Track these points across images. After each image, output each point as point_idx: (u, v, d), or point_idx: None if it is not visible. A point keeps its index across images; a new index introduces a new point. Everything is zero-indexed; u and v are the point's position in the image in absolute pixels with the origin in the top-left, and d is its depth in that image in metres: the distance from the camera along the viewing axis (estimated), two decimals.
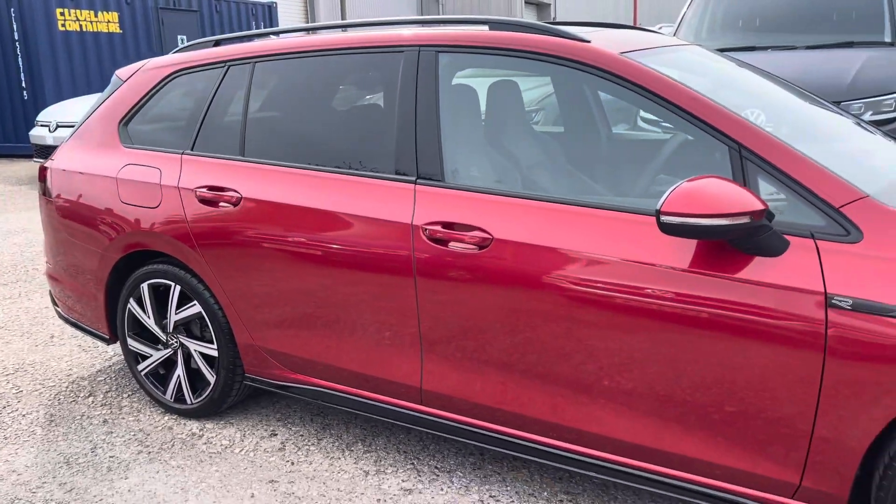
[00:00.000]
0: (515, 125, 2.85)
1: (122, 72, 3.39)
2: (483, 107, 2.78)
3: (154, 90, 3.19)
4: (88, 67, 12.54)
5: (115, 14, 13.02)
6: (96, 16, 12.57)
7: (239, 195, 2.77)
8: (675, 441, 2.12)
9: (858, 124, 2.75)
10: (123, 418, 3.21)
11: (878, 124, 5.31)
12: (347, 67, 2.74)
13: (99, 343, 4.08)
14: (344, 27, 2.80)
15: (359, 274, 2.51)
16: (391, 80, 2.59)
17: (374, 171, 2.54)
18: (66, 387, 3.54)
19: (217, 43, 3.17)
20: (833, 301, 1.83)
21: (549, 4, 32.59)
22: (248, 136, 2.87)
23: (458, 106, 2.56)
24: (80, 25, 12.24)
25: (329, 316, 2.63)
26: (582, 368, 2.19)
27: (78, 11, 12.18)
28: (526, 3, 30.22)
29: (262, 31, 3.14)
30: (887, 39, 6.18)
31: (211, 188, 2.85)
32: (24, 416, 3.26)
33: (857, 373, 1.83)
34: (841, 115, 2.79)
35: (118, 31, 13.17)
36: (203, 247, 2.86)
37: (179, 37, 14.82)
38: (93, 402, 3.38)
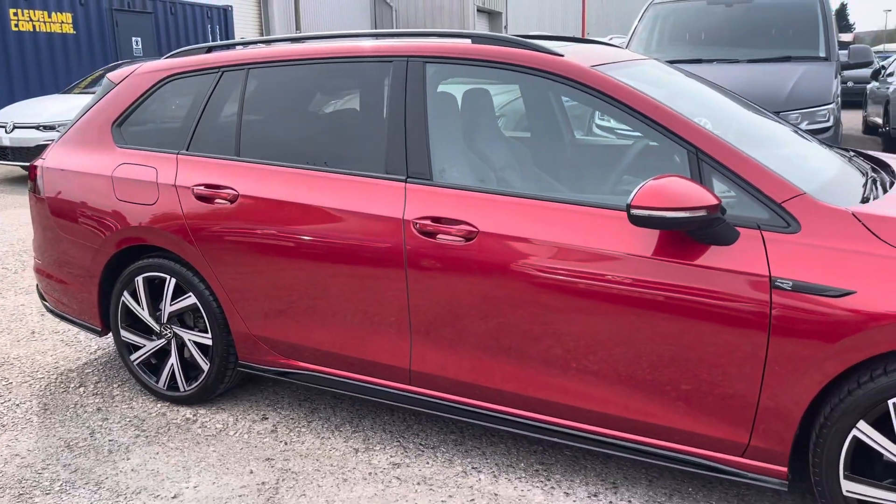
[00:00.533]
0: (493, 129, 3.11)
1: (113, 75, 3.54)
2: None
3: (147, 93, 3.35)
4: (41, 68, 12.41)
5: (69, 15, 12.91)
6: (50, 16, 12.45)
7: (236, 192, 2.96)
8: (640, 410, 2.40)
9: (796, 132, 3.09)
10: (117, 406, 3.36)
11: (813, 133, 5.75)
12: (339, 75, 2.97)
13: (81, 337, 4.20)
14: (336, 37, 3.02)
15: (353, 264, 2.73)
16: (381, 88, 2.82)
17: (366, 171, 2.77)
18: (55, 378, 3.66)
19: (209, 49, 3.35)
20: (776, 283, 2.14)
21: (501, 13, 33.13)
22: (244, 137, 3.06)
23: (443, 111, 2.80)
24: (34, 26, 12.11)
25: (324, 304, 2.84)
26: (559, 348, 2.45)
27: (31, 12, 12.05)
28: (478, 10, 30.68)
29: (255, 39, 3.34)
30: (822, 55, 6.66)
31: (208, 186, 3.03)
32: (17, 405, 3.38)
33: (794, 349, 2.13)
34: (781, 123, 3.13)
35: (72, 31, 13.05)
36: (200, 241, 3.04)
37: (133, 38, 14.74)
38: (84, 391, 3.51)
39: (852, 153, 3.22)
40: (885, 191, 2.49)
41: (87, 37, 13.43)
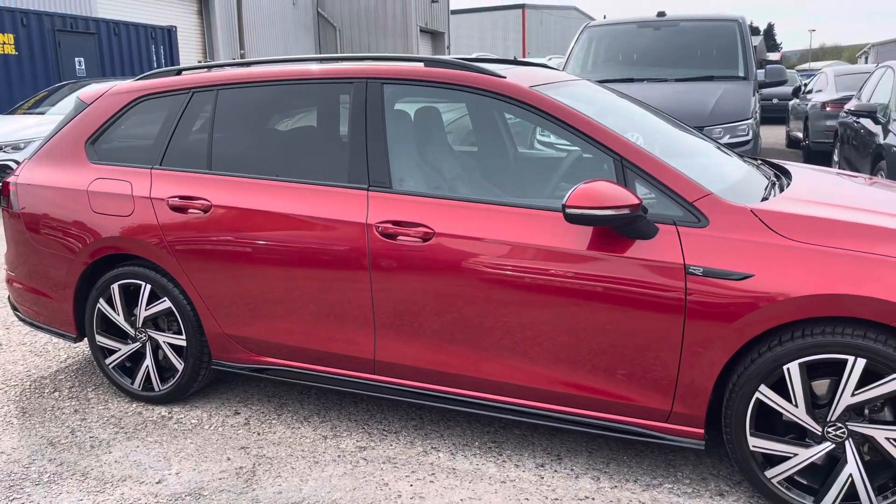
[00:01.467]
0: (445, 143, 3.44)
1: (85, 96, 3.76)
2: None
3: (120, 113, 3.58)
4: None
5: (11, 36, 12.84)
6: None
7: (209, 203, 3.22)
8: (580, 386, 2.74)
9: (713, 144, 3.51)
10: (93, 407, 3.55)
11: (734, 146, 6.27)
12: (304, 94, 3.26)
13: (49, 347, 4.35)
14: (301, 61, 3.32)
15: (320, 265, 3.01)
16: (343, 106, 3.12)
17: (331, 181, 3.06)
18: (29, 385, 3.82)
19: (179, 72, 3.61)
20: (690, 270, 2.51)
21: (443, 33, 33.76)
22: (215, 152, 3.32)
23: (399, 127, 3.12)
24: None
25: (294, 303, 3.12)
26: (509, 334, 2.78)
27: None
28: (421, 31, 31.21)
29: (225, 62, 3.60)
30: (741, 74, 7.23)
31: (182, 197, 3.28)
32: None
33: (705, 326, 2.50)
34: (699, 136, 3.55)
35: (13, 52, 12.98)
36: (175, 248, 3.28)
37: (76, 59, 14.68)
38: (59, 396, 3.69)
39: (760, 162, 3.66)
40: (781, 191, 2.91)
41: (30, 57, 13.36)
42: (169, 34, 17.16)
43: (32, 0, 15.97)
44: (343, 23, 30.10)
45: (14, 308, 3.93)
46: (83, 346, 4.35)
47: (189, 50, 21.67)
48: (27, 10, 13.66)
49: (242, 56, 23.52)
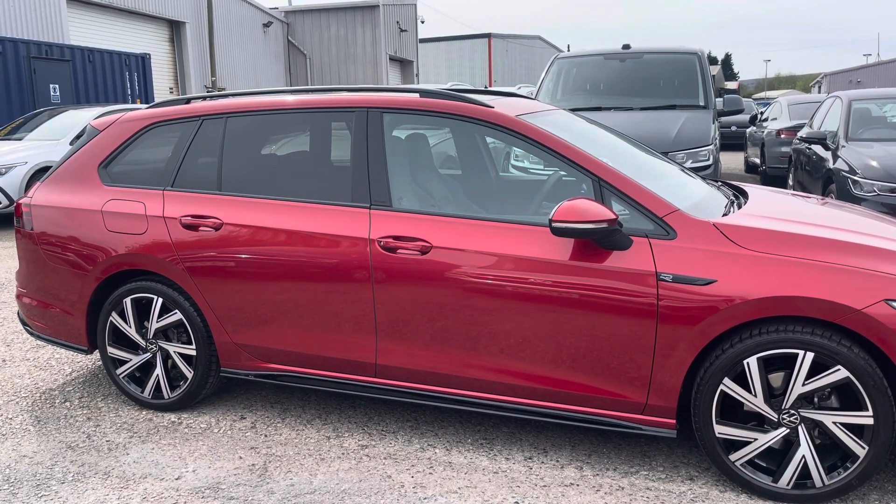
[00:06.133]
0: (433, 165, 3.76)
1: (97, 123, 4.01)
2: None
3: (132, 138, 3.84)
4: None
5: None
6: None
7: (220, 221, 3.48)
8: (562, 382, 3.04)
9: (677, 167, 3.88)
10: (105, 415, 3.75)
11: (695, 171, 6.69)
12: (310, 122, 3.56)
13: (53, 362, 4.54)
14: (305, 91, 3.62)
15: (326, 277, 3.29)
16: (345, 132, 3.43)
17: (335, 200, 3.35)
18: (39, 397, 4.01)
19: (189, 101, 3.88)
20: (661, 277, 2.84)
21: (412, 62, 34.33)
22: (225, 174, 3.59)
23: (397, 151, 3.43)
24: None
25: (301, 312, 3.38)
26: (501, 337, 3.08)
27: None
28: (390, 59, 31.72)
29: (234, 91, 3.89)
30: (701, 103, 7.71)
31: (194, 216, 3.54)
32: (10, 419, 3.72)
33: (675, 325, 2.83)
34: (665, 160, 3.91)
35: None
36: (187, 264, 3.53)
37: (51, 85, 14.78)
38: (70, 405, 3.88)
39: (720, 183, 4.04)
40: (739, 208, 3.27)
41: (5, 84, 13.44)
42: (143, 61, 17.33)
43: (5, 27, 16.06)
44: (313, 51, 30.48)
45: (24, 323, 4.13)
46: (86, 360, 4.55)
47: (162, 77, 21.83)
48: (3, 37, 13.78)
49: (213, 83, 23.72)
